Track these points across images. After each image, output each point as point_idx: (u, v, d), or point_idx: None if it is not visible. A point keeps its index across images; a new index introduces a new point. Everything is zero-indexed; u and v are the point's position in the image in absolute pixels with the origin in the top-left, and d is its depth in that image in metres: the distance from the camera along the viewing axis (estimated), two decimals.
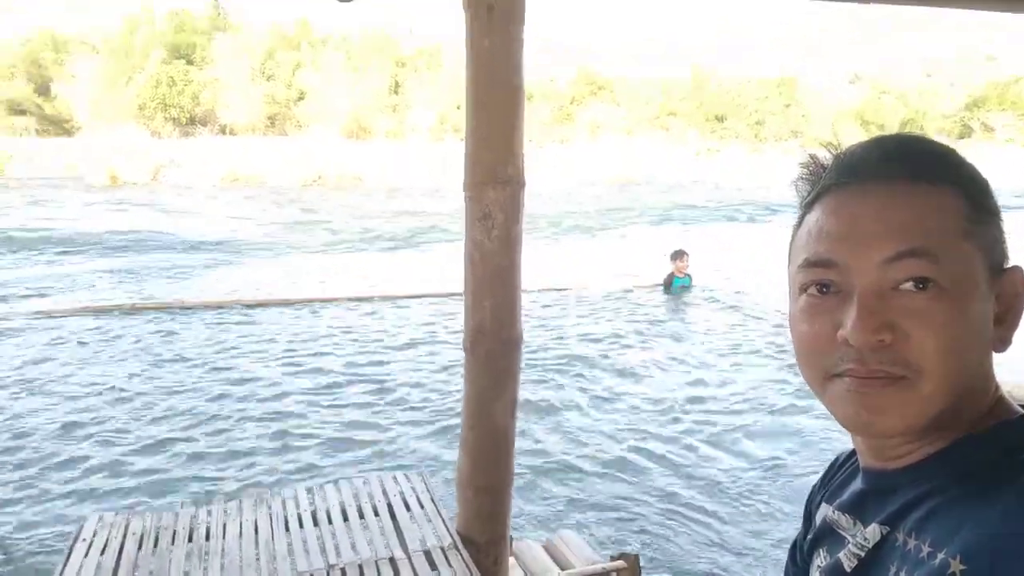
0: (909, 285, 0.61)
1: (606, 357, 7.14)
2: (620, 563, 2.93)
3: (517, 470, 2.72)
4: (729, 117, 56.03)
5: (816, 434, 5.22)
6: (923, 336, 0.60)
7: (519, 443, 2.60)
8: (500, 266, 2.42)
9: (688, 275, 9.72)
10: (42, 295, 9.62)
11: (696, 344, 7.64)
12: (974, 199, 0.63)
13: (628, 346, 7.52)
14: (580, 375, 6.60)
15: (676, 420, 5.59)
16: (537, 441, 5.15)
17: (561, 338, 7.75)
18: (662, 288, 9.85)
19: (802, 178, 0.72)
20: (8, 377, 6.31)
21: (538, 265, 11.84)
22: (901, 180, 0.63)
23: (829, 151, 0.70)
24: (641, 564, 2.98)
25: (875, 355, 0.61)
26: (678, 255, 9.66)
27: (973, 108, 53.48)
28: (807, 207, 0.70)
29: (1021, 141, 49.13)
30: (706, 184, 30.84)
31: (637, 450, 5.04)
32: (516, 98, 2.37)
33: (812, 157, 0.71)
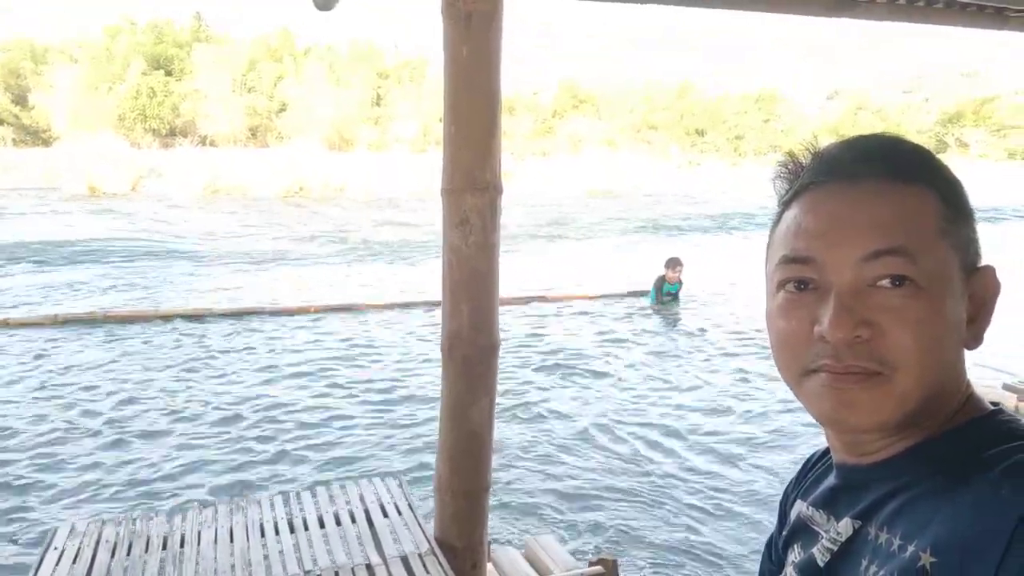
0: (886, 282, 0.61)
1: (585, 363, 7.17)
2: (598, 568, 2.94)
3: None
4: (709, 131, 56.61)
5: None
6: (899, 333, 0.61)
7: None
8: (477, 271, 2.44)
9: (680, 282, 9.59)
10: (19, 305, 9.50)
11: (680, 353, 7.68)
12: (949, 199, 0.64)
13: (610, 353, 7.54)
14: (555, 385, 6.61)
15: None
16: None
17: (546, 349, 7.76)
18: (651, 296, 9.72)
19: (780, 176, 0.73)
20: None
21: (519, 275, 11.91)
22: (878, 179, 0.64)
23: (808, 150, 0.71)
24: (619, 569, 2.99)
25: (851, 351, 0.62)
26: (672, 263, 9.53)
27: (948, 124, 54.47)
28: (785, 205, 0.71)
29: (994, 156, 50.09)
30: (687, 196, 31.06)
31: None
32: (493, 105, 2.39)
33: (790, 155, 0.72)
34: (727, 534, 4.02)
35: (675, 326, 8.91)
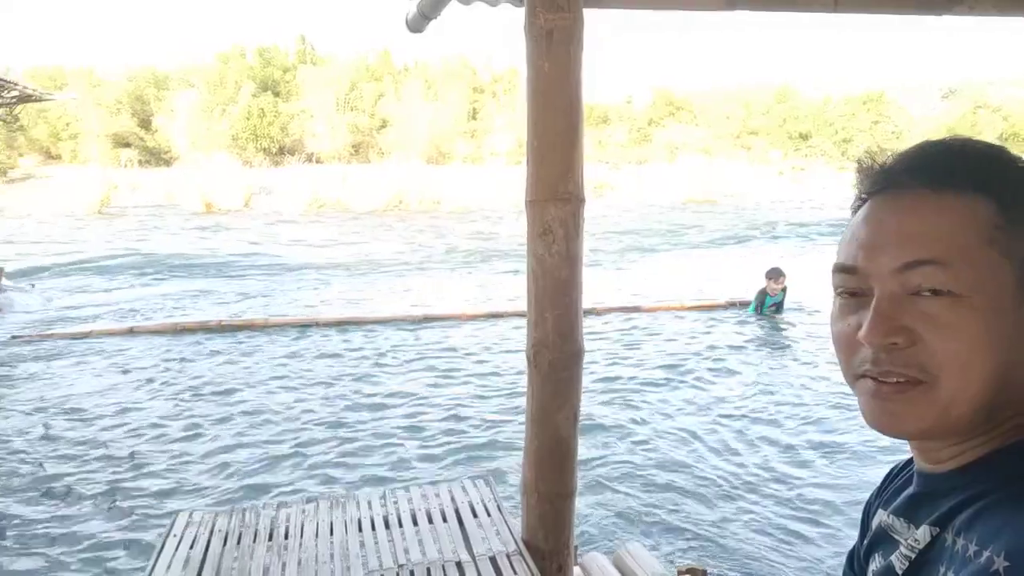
0: (926, 292, 0.63)
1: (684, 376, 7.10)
2: None
3: None
4: (814, 135, 54.55)
5: None
6: (938, 341, 0.62)
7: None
8: (561, 279, 2.49)
9: (784, 292, 9.21)
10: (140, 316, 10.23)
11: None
12: (1007, 206, 0.64)
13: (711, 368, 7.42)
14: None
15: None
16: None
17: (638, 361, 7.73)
18: (751, 307, 9.46)
19: (856, 184, 0.75)
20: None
21: (615, 285, 11.87)
22: (920, 188, 0.65)
23: (876, 159, 0.73)
24: None
25: (889, 357, 0.64)
26: (774, 274, 9.17)
27: None
28: (853, 212, 0.74)
29: None
30: (790, 203, 30.09)
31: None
32: (575, 118, 2.45)
33: (860, 163, 0.74)
34: (823, 550, 3.92)
35: (777, 338, 8.65)
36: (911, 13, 2.49)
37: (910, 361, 0.63)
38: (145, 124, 49.67)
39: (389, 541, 2.68)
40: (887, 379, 0.64)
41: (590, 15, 2.47)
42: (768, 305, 9.26)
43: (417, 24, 2.93)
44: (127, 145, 48.28)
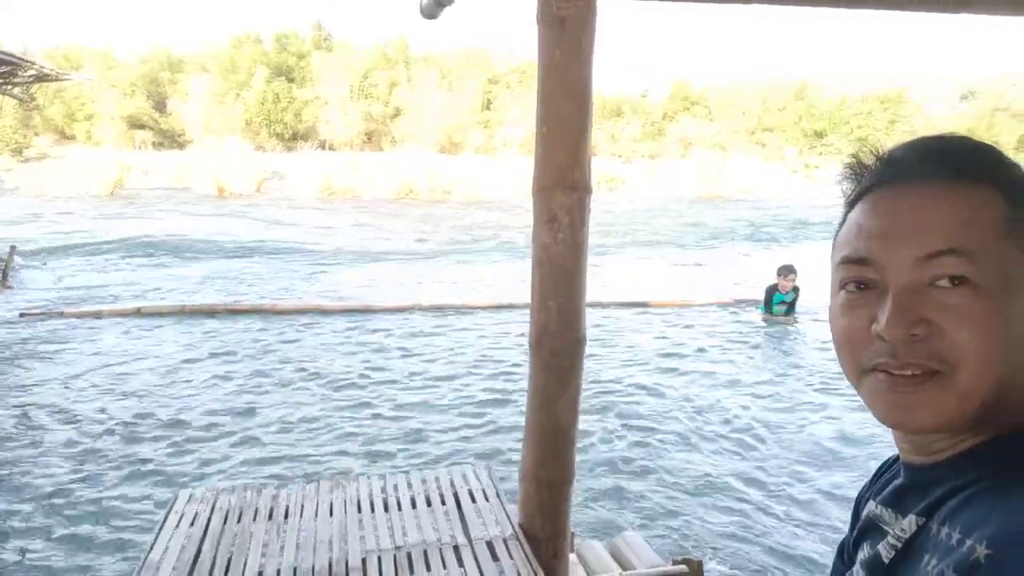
0: (944, 282, 0.62)
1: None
2: (682, 567, 2.94)
3: None
4: (829, 133, 54.17)
5: None
6: (957, 331, 0.61)
7: None
8: (565, 268, 2.50)
9: (795, 290, 8.95)
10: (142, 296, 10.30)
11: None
12: (1017, 199, 0.64)
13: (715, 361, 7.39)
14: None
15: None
16: None
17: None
18: (761, 305, 9.28)
19: (847, 178, 0.75)
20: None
21: (624, 280, 11.85)
22: (938, 180, 0.65)
23: (872, 152, 0.73)
24: (705, 569, 2.99)
25: (909, 349, 0.63)
26: (785, 270, 8.96)
27: None
28: (850, 205, 0.73)
29: None
30: (804, 201, 29.92)
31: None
32: (585, 106, 2.45)
33: (856, 157, 0.74)
34: (816, 543, 3.93)
35: (786, 338, 8.54)
36: (924, 10, 2.47)
37: (930, 353, 0.62)
38: (160, 107, 49.82)
39: (388, 523, 2.70)
40: (903, 372, 0.64)
41: (604, 4, 2.47)
42: (777, 303, 9.05)
43: (431, 10, 2.94)
44: (141, 127, 48.43)
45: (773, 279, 9.14)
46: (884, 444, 5.15)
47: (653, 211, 24.63)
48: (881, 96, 55.63)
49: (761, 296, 9.35)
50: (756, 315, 9.32)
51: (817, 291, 9.25)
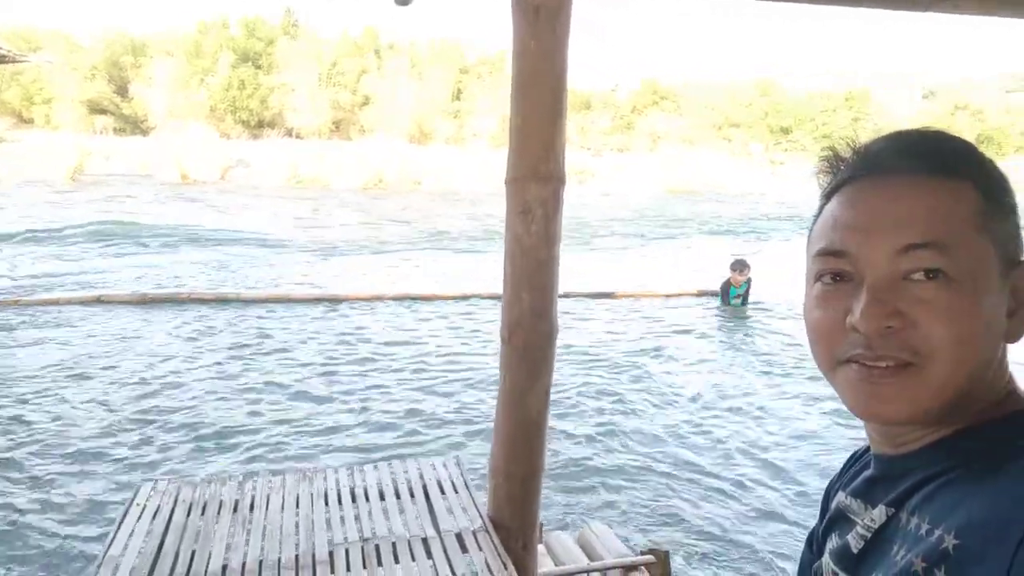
0: (919, 275, 0.62)
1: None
2: (650, 557, 2.96)
3: None
4: (795, 130, 54.95)
5: None
6: (931, 324, 0.61)
7: None
8: (538, 260, 2.48)
9: (748, 283, 9.39)
10: (98, 286, 10.08)
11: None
12: (990, 194, 0.65)
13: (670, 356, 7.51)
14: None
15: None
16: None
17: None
18: (718, 297, 9.67)
19: (823, 171, 0.74)
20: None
21: (591, 271, 11.90)
22: (916, 173, 0.65)
23: (849, 145, 0.72)
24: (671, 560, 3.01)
25: (883, 341, 0.63)
26: (739, 265, 9.38)
27: None
28: (826, 198, 0.73)
29: None
30: (768, 196, 30.31)
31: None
32: (559, 97, 2.43)
33: (832, 150, 0.74)
34: (777, 532, 3.99)
35: (736, 329, 8.81)
36: (892, 8, 2.49)
37: (903, 344, 0.62)
38: (121, 91, 48.79)
39: (355, 515, 2.67)
40: (878, 364, 0.64)
41: None
42: (733, 296, 9.47)
43: None
44: (102, 112, 47.41)
45: (728, 273, 9.55)
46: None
47: (621, 204, 24.74)
48: (845, 94, 56.60)
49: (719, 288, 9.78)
50: (714, 307, 9.67)
51: (774, 283, 9.89)
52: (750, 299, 9.53)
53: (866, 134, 0.74)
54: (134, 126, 47.31)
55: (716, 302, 9.73)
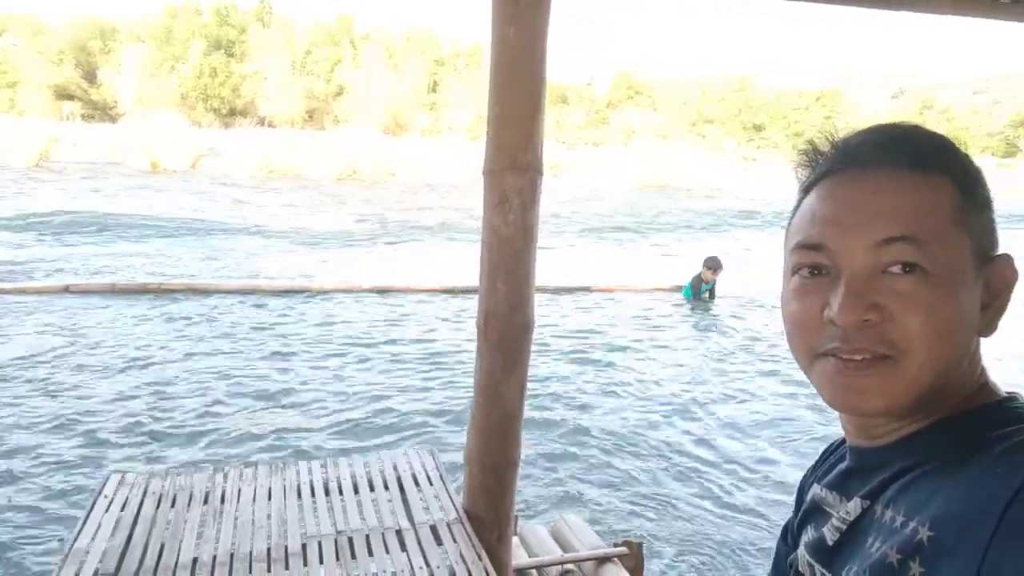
0: (896, 269, 0.63)
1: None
2: (624, 549, 2.97)
3: None
4: (768, 127, 55.54)
5: None
6: (907, 317, 0.62)
7: None
8: (515, 251, 2.46)
9: (714, 280, 9.64)
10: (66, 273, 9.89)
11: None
12: (966, 189, 0.65)
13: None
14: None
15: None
16: None
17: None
18: (686, 291, 9.84)
19: (801, 164, 0.74)
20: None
21: (567, 264, 11.93)
22: (894, 167, 0.65)
23: (828, 139, 0.72)
24: (644, 552, 3.02)
25: (860, 334, 0.63)
26: (712, 263, 9.60)
27: (1020, 127, 52.40)
28: (804, 191, 0.72)
29: None
30: (741, 192, 30.58)
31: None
32: (538, 87, 2.41)
33: (811, 144, 0.73)
34: (749, 524, 4.04)
35: (709, 322, 8.96)
36: (867, 6, 2.50)
37: (880, 338, 0.63)
38: (90, 76, 47.80)
39: (328, 507, 2.64)
40: (854, 356, 0.64)
41: None
42: (703, 291, 9.72)
43: None
44: (70, 97, 46.42)
45: (700, 269, 9.77)
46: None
47: (597, 198, 24.81)
48: (818, 93, 57.32)
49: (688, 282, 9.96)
50: (683, 302, 9.82)
51: (742, 277, 10.21)
52: (716, 293, 9.78)
53: (838, 132, 0.74)
54: (103, 112, 46.38)
55: (685, 296, 9.87)
